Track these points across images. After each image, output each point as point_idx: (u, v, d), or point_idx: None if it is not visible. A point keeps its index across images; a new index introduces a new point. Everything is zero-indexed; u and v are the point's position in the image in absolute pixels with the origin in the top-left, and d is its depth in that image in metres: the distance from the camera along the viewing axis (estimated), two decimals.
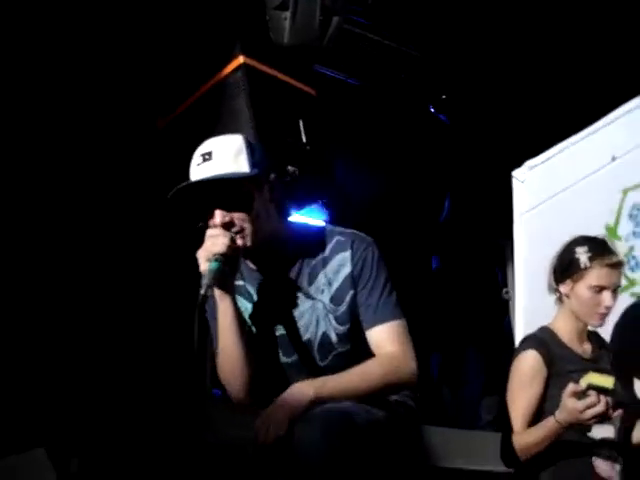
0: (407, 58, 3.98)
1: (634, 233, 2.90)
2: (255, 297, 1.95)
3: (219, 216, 1.81)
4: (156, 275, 3.56)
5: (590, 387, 2.14)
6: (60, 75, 3.37)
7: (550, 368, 2.31)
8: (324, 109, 3.67)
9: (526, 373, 2.31)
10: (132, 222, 3.54)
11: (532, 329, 3.33)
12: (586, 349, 2.44)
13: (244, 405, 1.89)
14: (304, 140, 3.24)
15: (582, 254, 2.39)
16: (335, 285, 1.90)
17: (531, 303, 3.49)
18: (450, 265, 4.64)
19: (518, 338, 3.52)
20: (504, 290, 4.28)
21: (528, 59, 3.57)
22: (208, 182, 1.79)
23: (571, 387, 2.15)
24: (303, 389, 1.75)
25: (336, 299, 1.90)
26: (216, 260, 1.75)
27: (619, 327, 2.74)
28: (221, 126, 3.29)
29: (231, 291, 1.85)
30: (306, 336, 1.90)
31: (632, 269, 2.87)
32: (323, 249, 1.93)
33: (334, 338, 1.89)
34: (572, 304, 2.40)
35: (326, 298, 1.90)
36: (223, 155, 1.83)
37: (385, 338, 1.87)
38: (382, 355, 1.86)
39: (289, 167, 3.18)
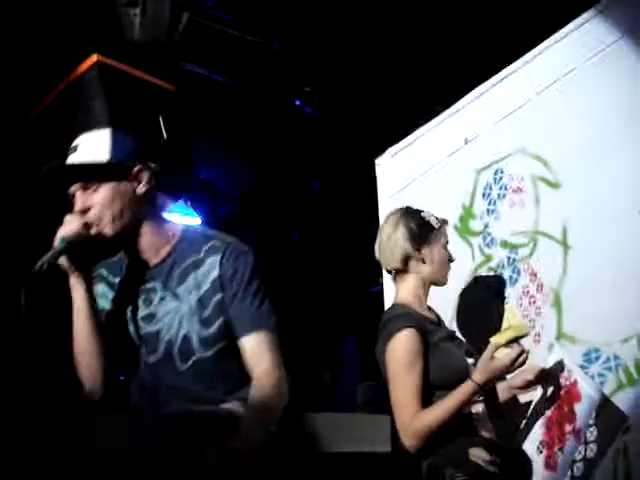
0: (270, 52, 3.99)
1: (488, 211, 3.02)
2: (121, 291, 1.96)
3: (77, 201, 1.89)
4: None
5: (511, 340, 2.20)
6: None
7: (424, 342, 2.29)
8: (190, 106, 3.65)
9: (409, 352, 2.25)
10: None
11: None
12: (432, 316, 2.49)
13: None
14: (164, 136, 3.19)
15: (430, 216, 2.48)
16: (203, 288, 1.90)
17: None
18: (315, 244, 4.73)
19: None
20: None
21: (388, 49, 3.65)
22: (68, 168, 1.90)
23: (493, 344, 2.19)
24: None
25: (203, 301, 1.89)
26: (62, 242, 1.79)
27: (469, 297, 2.90)
28: (79, 125, 3.22)
29: (85, 279, 1.87)
30: (167, 337, 1.89)
31: (488, 245, 2.99)
32: (198, 251, 1.93)
33: (195, 342, 1.88)
34: (426, 269, 2.43)
35: (193, 300, 1.89)
36: (87, 146, 1.93)
37: (256, 347, 1.86)
38: (262, 385, 1.82)
39: (150, 164, 3.13)
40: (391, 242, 2.45)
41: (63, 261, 1.83)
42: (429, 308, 2.51)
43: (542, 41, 2.85)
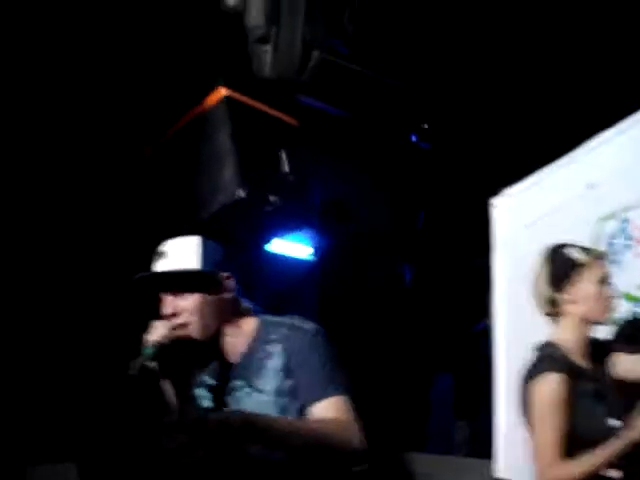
0: (389, 88, 4.03)
1: (611, 261, 2.92)
2: (215, 393, 2.07)
3: (167, 305, 2.00)
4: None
5: None
6: (54, 100, 3.42)
7: (572, 390, 2.17)
8: (307, 139, 3.73)
9: (557, 398, 2.14)
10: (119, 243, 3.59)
11: (513, 355, 3.37)
12: (588, 364, 2.32)
13: None
14: (286, 170, 3.28)
15: (574, 252, 2.32)
16: (277, 378, 1.96)
17: (512, 328, 3.52)
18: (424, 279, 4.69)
19: (498, 364, 3.54)
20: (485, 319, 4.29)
21: (507, 90, 3.63)
22: (157, 276, 2.00)
23: None
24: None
25: (279, 391, 1.95)
26: (152, 346, 1.93)
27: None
28: (204, 157, 3.35)
29: (172, 381, 2.00)
30: None
31: None
32: (268, 343, 2.01)
33: None
34: (578, 309, 2.28)
35: (272, 390, 1.96)
36: (176, 253, 2.01)
37: (328, 411, 1.90)
38: (331, 419, 1.88)
39: (271, 197, 3.22)
40: (537, 287, 2.37)
41: (153, 365, 1.93)
42: (590, 354, 2.35)
43: None
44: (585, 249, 2.34)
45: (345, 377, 1.98)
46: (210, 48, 3.38)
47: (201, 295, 2.00)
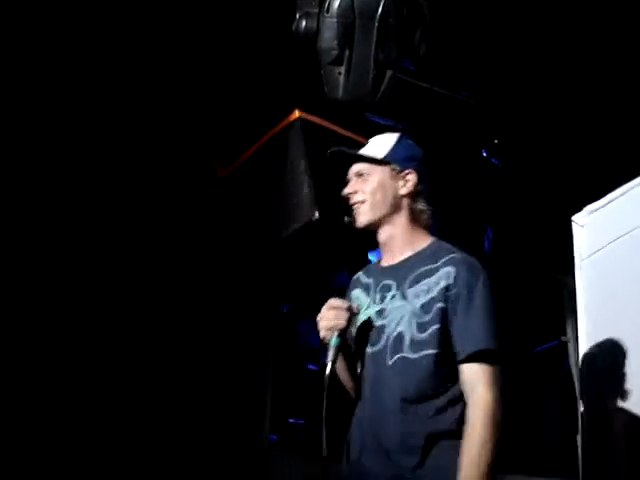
0: (458, 104, 3.99)
1: None
2: (371, 290, 2.18)
3: (350, 186, 2.22)
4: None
5: None
6: (129, 122, 3.51)
7: None
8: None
9: None
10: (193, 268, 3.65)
11: (594, 374, 3.29)
12: None
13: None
14: None
15: None
16: (431, 294, 2.03)
17: (594, 349, 3.43)
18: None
19: (579, 383, 3.46)
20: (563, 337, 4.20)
21: (585, 103, 3.55)
22: (346, 154, 2.25)
23: None
24: None
25: (425, 307, 2.02)
26: (338, 336, 2.00)
27: None
28: (278, 177, 3.37)
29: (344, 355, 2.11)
30: (387, 331, 2.07)
31: None
32: (436, 261, 2.09)
33: (407, 341, 2.02)
34: None
35: (418, 304, 2.04)
36: (373, 143, 2.26)
37: (474, 375, 1.96)
38: (476, 419, 1.92)
39: (345, 217, 3.22)
40: None
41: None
42: None
43: None
44: None
45: (499, 334, 2.01)
46: (283, 71, 3.41)
47: (379, 180, 2.17)
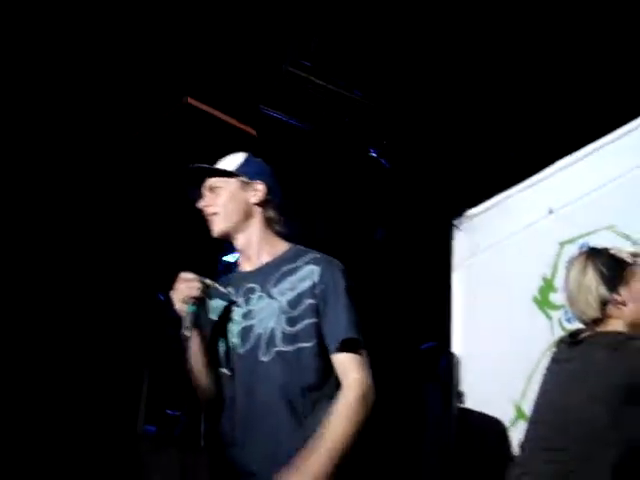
0: (352, 103, 4.01)
1: None
2: (230, 295, 2.24)
3: (204, 200, 2.27)
4: None
5: None
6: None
7: None
8: (267, 149, 3.69)
9: None
10: None
11: (471, 373, 3.39)
12: None
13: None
14: None
15: (622, 252, 2.23)
16: (296, 291, 2.14)
17: (468, 348, 3.54)
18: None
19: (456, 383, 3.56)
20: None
21: (470, 109, 3.63)
22: (200, 169, 2.30)
23: None
24: None
25: (293, 303, 2.13)
26: (193, 304, 2.08)
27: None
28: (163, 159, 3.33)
29: (201, 327, 2.16)
30: (258, 330, 2.14)
31: (569, 320, 2.88)
32: (296, 261, 2.21)
33: (279, 335, 2.10)
34: (628, 312, 2.15)
35: (284, 300, 2.14)
36: (225, 161, 2.35)
37: (346, 363, 2.08)
38: (346, 400, 2.02)
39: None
40: (582, 291, 2.19)
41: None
42: None
43: None
44: (625, 251, 2.26)
45: (361, 325, 2.13)
46: (174, 55, 3.34)
47: (230, 191, 2.27)
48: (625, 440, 1.95)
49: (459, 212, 3.69)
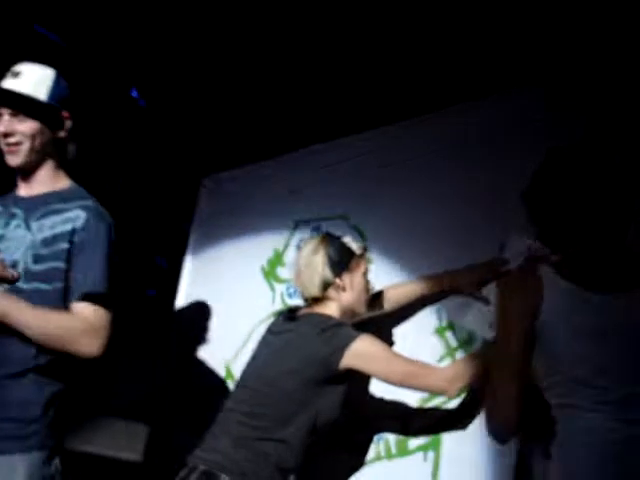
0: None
1: None
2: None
3: (3, 125, 2.11)
4: None
5: None
6: None
7: None
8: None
9: (383, 346, 2.21)
10: None
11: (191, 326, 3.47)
12: None
13: None
14: None
15: (351, 243, 2.40)
16: (54, 231, 2.07)
17: (193, 301, 3.63)
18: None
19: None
20: None
21: (239, 65, 3.54)
22: (4, 92, 2.10)
23: None
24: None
25: (45, 242, 2.06)
26: None
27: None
28: None
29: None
30: (3, 256, 2.07)
31: (290, 295, 3.09)
32: (67, 202, 2.13)
33: (20, 270, 2.04)
34: (345, 297, 2.35)
35: (40, 237, 2.07)
36: (29, 78, 2.13)
37: (84, 311, 2.02)
38: (82, 320, 2.01)
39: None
40: (310, 269, 2.35)
41: None
42: None
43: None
44: (355, 243, 2.43)
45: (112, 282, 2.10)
46: None
47: (39, 124, 2.14)
48: (314, 413, 2.18)
49: (208, 172, 3.74)
